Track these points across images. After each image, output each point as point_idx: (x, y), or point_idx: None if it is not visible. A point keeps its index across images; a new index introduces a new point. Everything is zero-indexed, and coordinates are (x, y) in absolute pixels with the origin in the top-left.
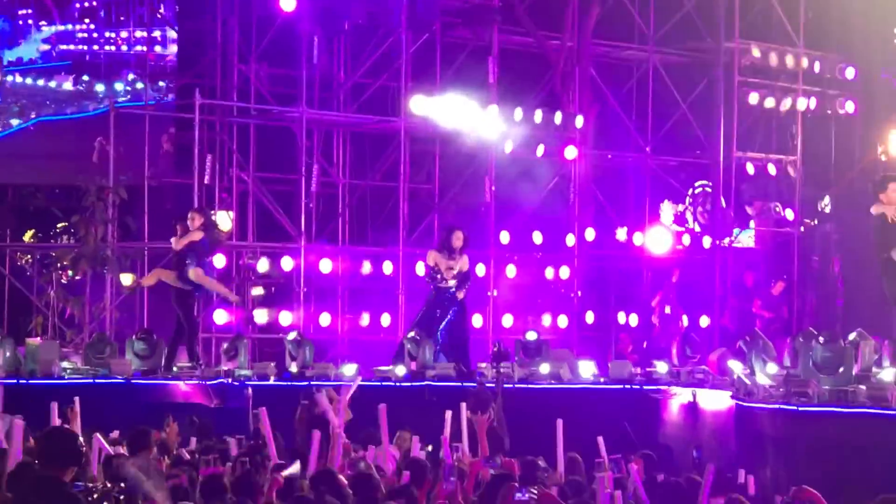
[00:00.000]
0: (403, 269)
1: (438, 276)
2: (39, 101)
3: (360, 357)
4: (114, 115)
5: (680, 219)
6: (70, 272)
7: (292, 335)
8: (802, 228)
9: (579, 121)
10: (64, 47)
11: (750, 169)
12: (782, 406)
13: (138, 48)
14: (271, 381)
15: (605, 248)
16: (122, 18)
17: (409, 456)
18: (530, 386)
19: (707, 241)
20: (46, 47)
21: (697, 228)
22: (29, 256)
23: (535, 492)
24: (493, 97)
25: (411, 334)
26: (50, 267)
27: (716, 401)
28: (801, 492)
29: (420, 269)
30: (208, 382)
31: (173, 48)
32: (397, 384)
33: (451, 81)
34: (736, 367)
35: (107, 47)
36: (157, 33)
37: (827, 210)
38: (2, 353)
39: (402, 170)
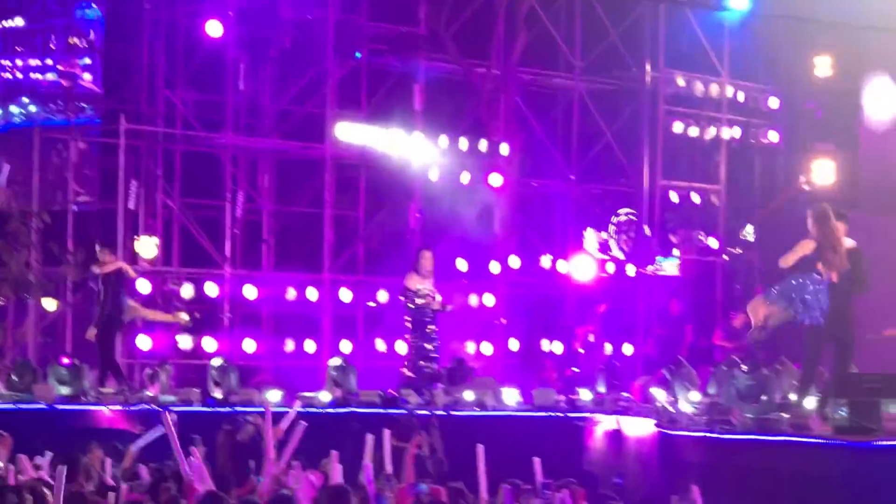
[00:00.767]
0: (328, 295)
1: (426, 299)
2: None
3: (285, 383)
4: (39, 138)
5: (604, 246)
6: None
7: (217, 361)
8: (726, 257)
9: (505, 148)
10: None
11: (674, 197)
12: (705, 434)
13: (35, 76)
14: (195, 408)
15: (529, 276)
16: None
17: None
18: (455, 413)
19: (631, 269)
20: None
21: (621, 256)
22: None
23: None
24: (418, 124)
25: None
26: None
27: (639, 428)
28: None
29: (345, 294)
30: (132, 408)
31: (88, 76)
32: (322, 410)
33: (377, 108)
34: (659, 394)
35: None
36: (87, 60)
37: (750, 239)
38: None
39: (327, 196)
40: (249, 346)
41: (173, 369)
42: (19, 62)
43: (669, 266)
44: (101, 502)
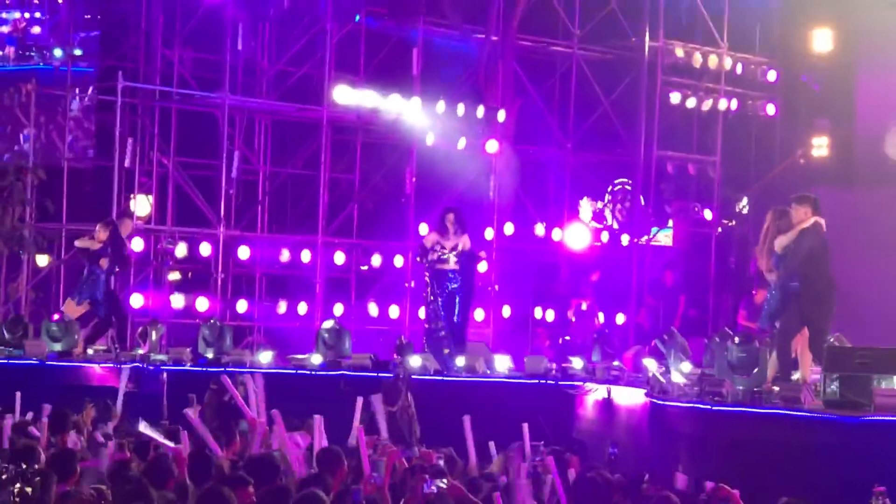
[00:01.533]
0: (322, 257)
1: (436, 255)
2: None
3: (277, 344)
4: (35, 93)
5: (599, 216)
6: None
7: (210, 322)
8: (720, 229)
9: (501, 115)
10: None
11: (670, 168)
12: (696, 405)
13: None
14: (187, 367)
15: (523, 243)
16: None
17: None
18: (445, 378)
19: (625, 239)
20: None
21: (616, 226)
22: None
23: (444, 484)
24: (416, 89)
25: (435, 325)
26: None
27: (630, 398)
28: (719, 490)
29: (338, 257)
30: (123, 366)
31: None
32: (312, 373)
33: (375, 72)
34: (651, 364)
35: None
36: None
37: (745, 211)
38: None
39: (324, 159)
40: (242, 306)
41: (165, 328)
42: None
43: (663, 237)
44: (89, 459)
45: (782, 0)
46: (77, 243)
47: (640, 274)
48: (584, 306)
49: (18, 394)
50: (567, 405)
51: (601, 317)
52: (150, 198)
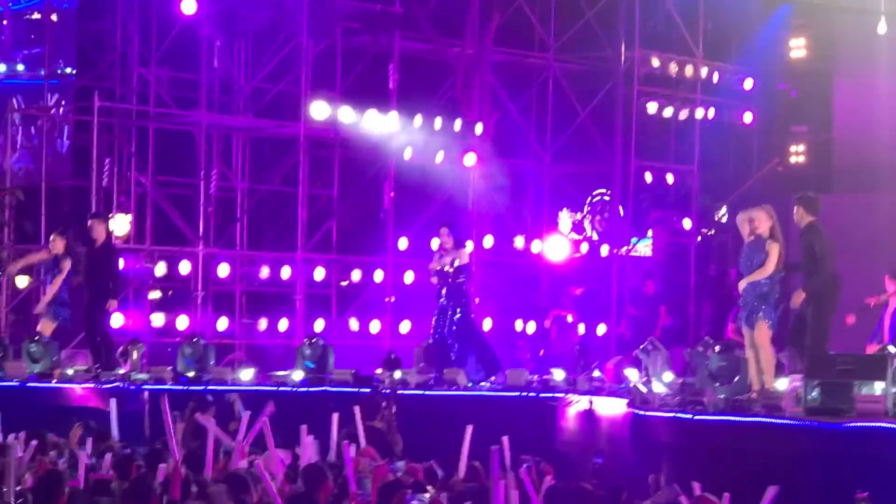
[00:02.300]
0: (302, 273)
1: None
2: None
3: (258, 361)
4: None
5: (578, 227)
6: None
7: (192, 340)
8: (699, 238)
9: (479, 128)
10: None
11: (648, 178)
12: (677, 415)
13: None
14: (168, 386)
15: (503, 256)
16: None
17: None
18: (427, 392)
19: (605, 250)
20: None
21: (595, 237)
22: None
23: (427, 498)
24: (393, 103)
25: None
26: None
27: (612, 409)
28: (702, 499)
29: (318, 273)
30: (104, 386)
31: None
32: (294, 389)
33: (352, 87)
34: (632, 375)
35: None
36: None
37: (724, 220)
38: None
39: (302, 175)
40: (222, 324)
41: (145, 347)
42: None
43: (643, 247)
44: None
45: (758, 8)
46: (23, 262)
47: (620, 284)
48: (569, 318)
49: None
50: (549, 417)
51: (581, 328)
52: (129, 217)
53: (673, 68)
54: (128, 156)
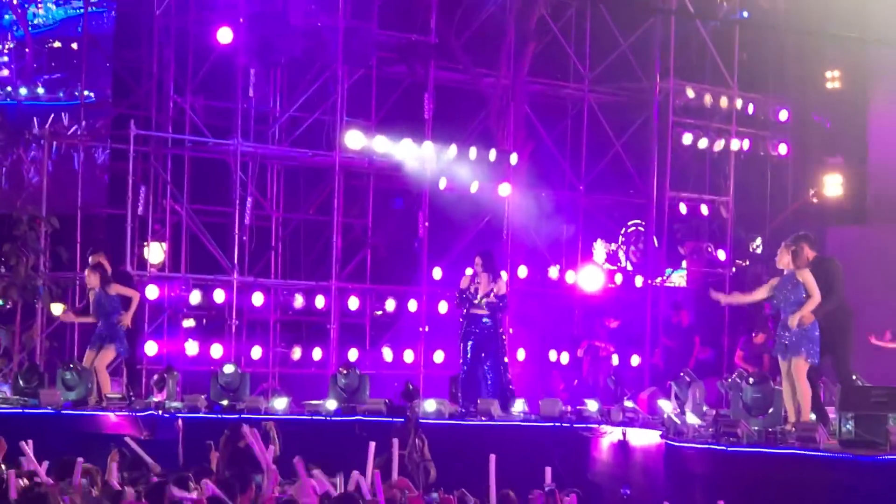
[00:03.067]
0: (335, 303)
1: (467, 296)
2: None
3: (291, 390)
4: (48, 144)
5: (612, 258)
6: (0, 301)
7: (229, 368)
8: (734, 269)
9: (514, 158)
10: None
11: (683, 209)
12: (711, 446)
13: None
14: (202, 414)
15: (537, 286)
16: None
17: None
18: (461, 423)
19: (639, 281)
20: None
21: (630, 267)
22: None
23: None
24: (427, 133)
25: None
26: None
27: (646, 440)
28: None
29: (352, 303)
30: (138, 414)
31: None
32: (328, 418)
33: (387, 117)
34: (666, 406)
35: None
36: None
37: (758, 251)
38: None
39: (336, 204)
40: (256, 352)
41: (180, 375)
42: None
43: (677, 277)
44: None
45: (793, 40)
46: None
47: (654, 315)
48: (603, 350)
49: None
50: (582, 448)
51: (615, 358)
52: (164, 245)
53: (708, 99)
54: (163, 184)
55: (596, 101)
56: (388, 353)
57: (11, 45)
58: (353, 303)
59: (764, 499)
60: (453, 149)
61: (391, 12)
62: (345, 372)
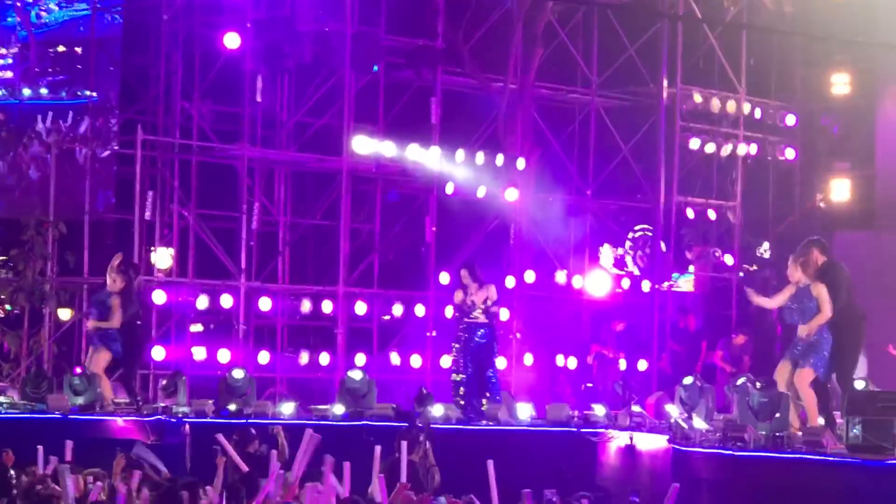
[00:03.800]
0: (343, 308)
1: (466, 309)
2: None
3: (299, 395)
4: (55, 151)
5: (619, 262)
6: (7, 306)
7: (239, 373)
8: (741, 273)
9: (521, 163)
10: None
11: (690, 213)
12: (719, 451)
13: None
14: (209, 419)
15: (544, 291)
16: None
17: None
18: (468, 427)
19: (646, 285)
20: None
21: (637, 272)
22: None
23: None
24: (435, 138)
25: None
26: None
27: (653, 444)
28: None
29: (359, 307)
30: (146, 419)
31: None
32: (335, 423)
33: (394, 121)
34: (673, 410)
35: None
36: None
37: (766, 255)
38: None
39: (343, 209)
40: (264, 357)
41: (187, 380)
42: None
43: (684, 282)
44: None
45: (799, 44)
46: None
47: (661, 320)
48: (610, 355)
49: (41, 448)
50: (589, 452)
51: (623, 363)
52: (171, 250)
53: (715, 104)
54: (170, 189)
55: (603, 105)
56: (395, 358)
57: (15, 50)
58: (361, 307)
59: (772, 503)
60: (460, 153)
61: (399, 17)
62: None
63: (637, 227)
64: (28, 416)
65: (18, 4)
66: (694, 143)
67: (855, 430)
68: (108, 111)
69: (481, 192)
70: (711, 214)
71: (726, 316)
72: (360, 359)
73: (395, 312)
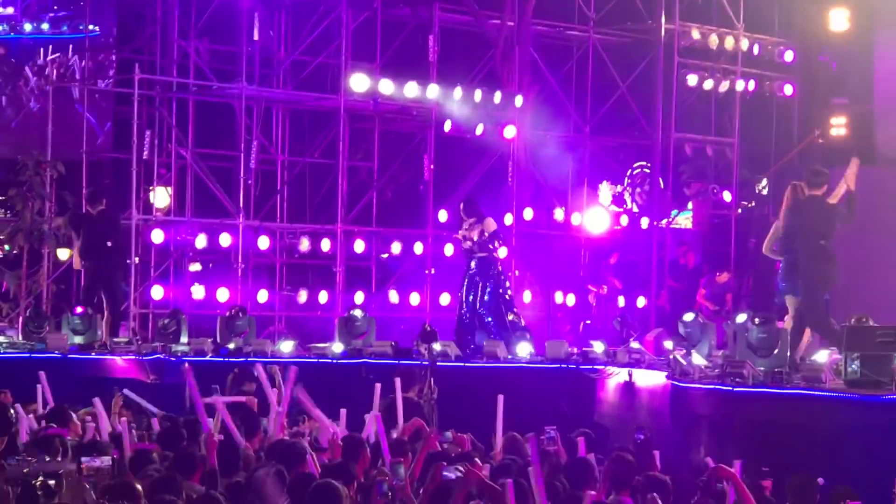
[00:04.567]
0: (341, 246)
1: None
2: None
3: (298, 334)
4: (52, 89)
5: (618, 199)
6: (6, 246)
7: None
8: (740, 210)
9: (519, 100)
10: None
11: (688, 150)
12: (717, 387)
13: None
14: (208, 357)
15: (543, 228)
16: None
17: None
18: (466, 364)
19: (645, 222)
20: None
21: (635, 209)
22: None
23: (462, 469)
24: (432, 76)
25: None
26: None
27: (652, 381)
28: (718, 470)
29: (358, 246)
30: (145, 358)
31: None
32: (334, 361)
33: (391, 59)
34: (672, 347)
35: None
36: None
37: (764, 192)
38: None
39: (341, 147)
40: (262, 296)
41: (187, 319)
42: None
43: (683, 219)
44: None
45: None
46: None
47: (660, 257)
48: (604, 290)
49: (40, 386)
50: (588, 389)
51: (621, 300)
52: (169, 189)
53: (713, 40)
54: (168, 128)
55: (601, 42)
56: (394, 296)
57: None
58: (359, 246)
59: (770, 439)
60: (458, 91)
61: None
62: (351, 314)
63: (635, 164)
64: (27, 355)
65: None
66: (692, 80)
67: (853, 366)
68: (107, 48)
69: (479, 130)
70: (709, 151)
71: (725, 252)
72: (359, 297)
73: (394, 250)
